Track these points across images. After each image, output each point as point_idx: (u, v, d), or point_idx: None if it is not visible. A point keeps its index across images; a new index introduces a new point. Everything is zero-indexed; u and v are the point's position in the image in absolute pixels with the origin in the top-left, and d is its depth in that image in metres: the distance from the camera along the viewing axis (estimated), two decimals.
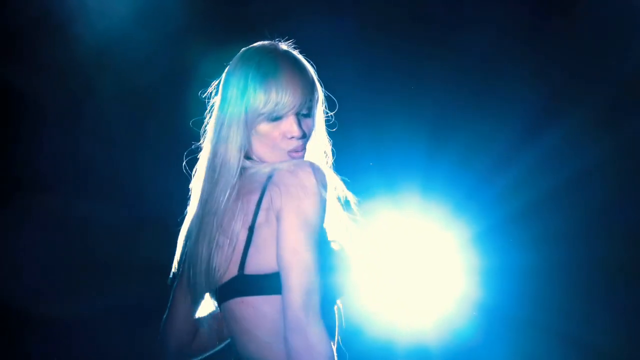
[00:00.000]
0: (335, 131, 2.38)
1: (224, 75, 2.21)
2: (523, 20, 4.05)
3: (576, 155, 4.10)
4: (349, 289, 2.19)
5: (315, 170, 2.08)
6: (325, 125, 2.31)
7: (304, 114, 2.16)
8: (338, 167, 2.43)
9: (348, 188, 2.53)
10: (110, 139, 3.82)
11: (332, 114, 2.32)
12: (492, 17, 4.02)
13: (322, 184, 2.07)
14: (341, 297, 2.18)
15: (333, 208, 2.21)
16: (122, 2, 3.78)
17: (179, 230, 2.35)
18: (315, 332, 1.99)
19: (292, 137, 2.14)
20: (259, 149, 2.17)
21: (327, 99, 2.32)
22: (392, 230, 4.09)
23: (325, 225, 2.11)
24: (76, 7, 3.74)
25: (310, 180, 2.06)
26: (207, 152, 2.20)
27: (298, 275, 2.01)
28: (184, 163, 2.32)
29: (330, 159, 2.33)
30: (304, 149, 2.18)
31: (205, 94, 2.26)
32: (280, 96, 2.11)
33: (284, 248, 2.03)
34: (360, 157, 3.92)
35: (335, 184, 2.25)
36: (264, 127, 2.14)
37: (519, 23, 4.05)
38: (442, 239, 4.13)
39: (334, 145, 2.37)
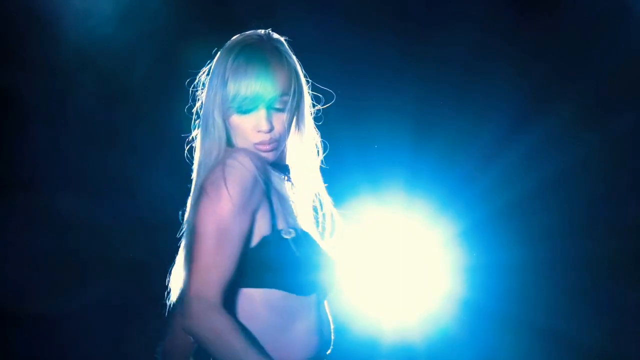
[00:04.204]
0: (319, 128, 2.38)
1: (212, 63, 2.22)
2: (507, 18, 4.06)
3: (561, 152, 4.11)
4: (328, 285, 2.18)
5: (237, 164, 2.06)
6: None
7: (277, 108, 2.14)
8: (321, 165, 2.43)
9: (333, 186, 2.54)
10: (95, 137, 3.81)
11: (318, 108, 2.32)
12: (476, 15, 4.03)
13: (241, 177, 2.04)
14: (321, 293, 2.17)
15: (303, 199, 2.23)
16: (107, 0, 3.78)
17: (164, 228, 2.35)
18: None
19: (260, 131, 2.13)
20: (235, 139, 2.18)
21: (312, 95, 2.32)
22: (376, 228, 4.09)
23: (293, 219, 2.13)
24: (61, 6, 3.73)
25: (224, 175, 2.04)
26: (198, 142, 2.23)
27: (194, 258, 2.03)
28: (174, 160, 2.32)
29: (320, 155, 2.33)
30: (273, 142, 2.15)
31: (195, 82, 2.26)
32: (248, 89, 2.10)
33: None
34: (344, 154, 3.91)
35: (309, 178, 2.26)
36: (235, 118, 2.14)
37: (503, 20, 4.05)
38: (427, 236, 4.13)
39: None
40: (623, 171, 4.09)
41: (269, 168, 2.18)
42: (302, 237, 2.12)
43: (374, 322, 4.07)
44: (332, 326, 2.23)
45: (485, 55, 4.05)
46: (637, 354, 4.04)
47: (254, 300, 2.10)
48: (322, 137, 2.39)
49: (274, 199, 2.13)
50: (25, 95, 3.76)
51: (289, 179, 2.27)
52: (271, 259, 2.09)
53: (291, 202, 2.22)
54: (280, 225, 2.11)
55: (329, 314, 2.27)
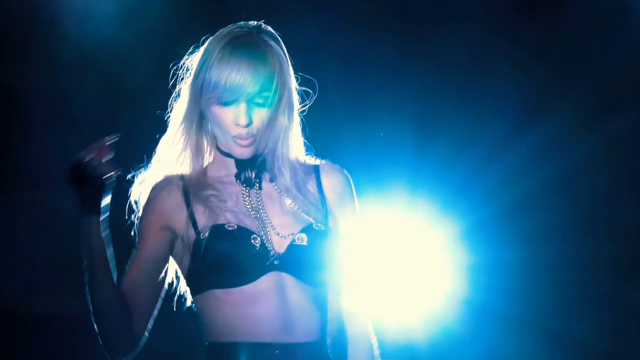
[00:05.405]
0: (321, 128, 2.38)
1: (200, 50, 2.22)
2: (508, 18, 4.06)
3: (563, 151, 4.11)
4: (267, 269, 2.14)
5: (156, 188, 2.22)
6: (308, 119, 2.30)
7: (258, 103, 2.13)
8: None
9: None
10: (96, 137, 3.80)
11: (308, 104, 2.31)
12: (477, 14, 4.03)
13: (155, 195, 2.20)
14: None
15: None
16: (109, 1, 3.78)
17: None
18: None
19: (238, 125, 2.12)
20: (214, 129, 2.18)
21: (312, 95, 2.31)
22: (379, 228, 4.09)
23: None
24: (63, 7, 3.74)
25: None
26: (175, 126, 2.25)
27: None
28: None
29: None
30: (250, 137, 2.14)
31: (180, 63, 2.26)
32: (228, 81, 2.09)
33: None
34: (346, 154, 3.91)
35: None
36: (216, 109, 2.13)
37: (503, 20, 4.05)
38: (430, 236, 4.13)
39: (320, 142, 2.36)
40: (625, 171, 4.10)
41: (196, 176, 2.20)
42: (217, 233, 2.10)
43: (377, 322, 4.06)
44: (306, 311, 2.16)
45: (486, 55, 4.06)
46: (639, 354, 4.04)
47: (205, 304, 2.13)
48: (323, 137, 2.38)
49: (198, 205, 2.15)
50: (27, 95, 3.76)
51: (258, 173, 2.23)
52: (198, 262, 2.11)
53: (243, 197, 2.20)
54: (201, 227, 2.12)
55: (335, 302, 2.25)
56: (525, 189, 4.10)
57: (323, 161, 2.34)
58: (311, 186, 2.29)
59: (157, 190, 2.20)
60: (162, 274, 2.19)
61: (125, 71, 3.79)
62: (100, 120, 3.78)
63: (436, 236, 4.13)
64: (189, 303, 2.26)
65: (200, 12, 3.80)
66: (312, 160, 2.33)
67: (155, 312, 2.19)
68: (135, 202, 2.27)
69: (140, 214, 2.22)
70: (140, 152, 2.32)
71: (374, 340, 2.32)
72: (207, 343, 2.16)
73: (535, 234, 4.12)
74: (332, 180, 2.32)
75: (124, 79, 3.79)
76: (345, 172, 2.36)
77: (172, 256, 2.20)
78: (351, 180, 2.36)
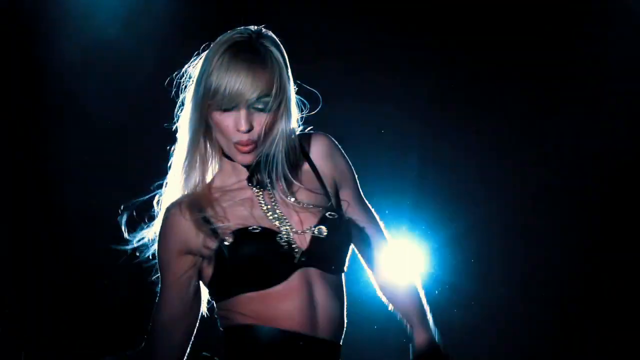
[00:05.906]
0: (321, 128, 2.38)
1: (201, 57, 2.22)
2: (509, 18, 4.07)
3: (563, 151, 4.12)
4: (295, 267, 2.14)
5: (163, 221, 2.19)
6: (308, 119, 2.29)
7: (258, 108, 2.13)
8: None
9: None
10: (99, 138, 3.82)
11: (306, 113, 2.31)
12: (482, 15, 4.04)
13: (164, 228, 2.17)
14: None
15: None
16: (112, 3, 3.80)
17: None
18: None
19: (239, 130, 2.12)
20: (216, 135, 2.18)
21: (313, 96, 2.31)
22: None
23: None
24: (64, 7, 3.75)
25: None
26: (185, 135, 2.24)
27: None
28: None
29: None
30: (251, 143, 2.13)
31: (182, 70, 2.26)
32: (227, 88, 2.08)
33: None
34: (348, 156, 3.92)
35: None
36: (216, 115, 2.13)
37: (510, 22, 4.07)
38: (430, 236, 4.14)
39: None
40: (625, 171, 4.11)
41: (203, 190, 2.19)
42: (242, 236, 2.10)
43: (378, 323, 4.07)
44: (332, 303, 2.17)
45: (486, 55, 4.07)
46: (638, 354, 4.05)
47: (229, 307, 2.13)
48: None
49: (213, 216, 2.15)
50: (31, 97, 3.78)
51: (268, 174, 2.23)
52: (223, 269, 2.11)
53: (258, 200, 2.20)
54: (223, 235, 2.11)
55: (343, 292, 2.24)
56: (525, 188, 4.11)
57: (307, 129, 2.34)
58: (305, 166, 2.30)
59: (165, 219, 2.19)
60: (196, 301, 2.18)
61: (126, 71, 3.80)
62: (100, 120, 3.80)
63: (436, 236, 4.14)
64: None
65: (200, 12, 3.81)
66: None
67: (189, 343, 2.20)
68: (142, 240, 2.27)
69: (157, 252, 2.21)
70: (141, 152, 2.33)
71: (422, 293, 2.35)
72: (222, 329, 2.17)
73: (535, 234, 4.13)
74: (316, 147, 2.32)
75: (125, 79, 3.80)
76: (324, 134, 2.34)
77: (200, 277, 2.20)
78: (334, 140, 2.35)
